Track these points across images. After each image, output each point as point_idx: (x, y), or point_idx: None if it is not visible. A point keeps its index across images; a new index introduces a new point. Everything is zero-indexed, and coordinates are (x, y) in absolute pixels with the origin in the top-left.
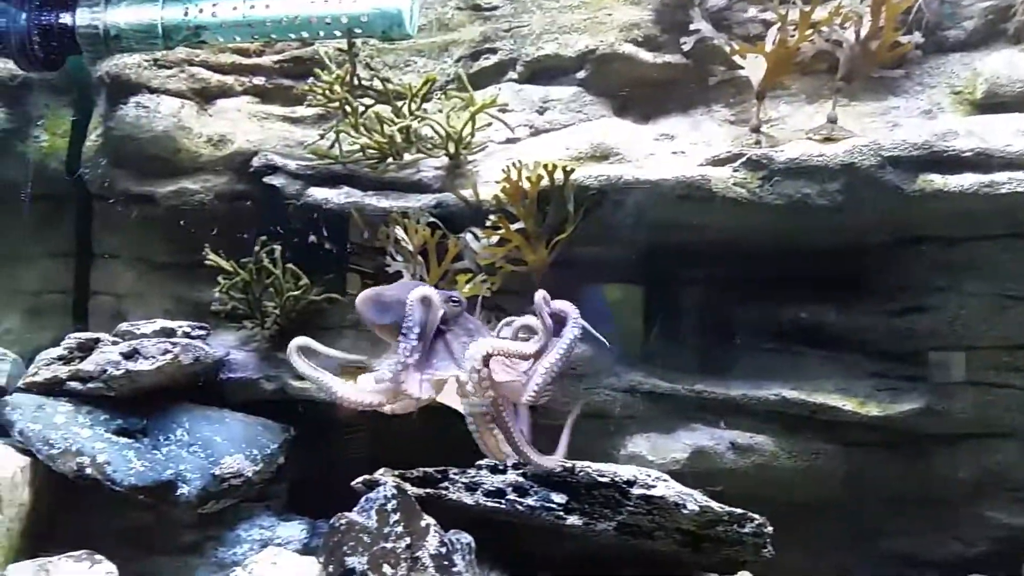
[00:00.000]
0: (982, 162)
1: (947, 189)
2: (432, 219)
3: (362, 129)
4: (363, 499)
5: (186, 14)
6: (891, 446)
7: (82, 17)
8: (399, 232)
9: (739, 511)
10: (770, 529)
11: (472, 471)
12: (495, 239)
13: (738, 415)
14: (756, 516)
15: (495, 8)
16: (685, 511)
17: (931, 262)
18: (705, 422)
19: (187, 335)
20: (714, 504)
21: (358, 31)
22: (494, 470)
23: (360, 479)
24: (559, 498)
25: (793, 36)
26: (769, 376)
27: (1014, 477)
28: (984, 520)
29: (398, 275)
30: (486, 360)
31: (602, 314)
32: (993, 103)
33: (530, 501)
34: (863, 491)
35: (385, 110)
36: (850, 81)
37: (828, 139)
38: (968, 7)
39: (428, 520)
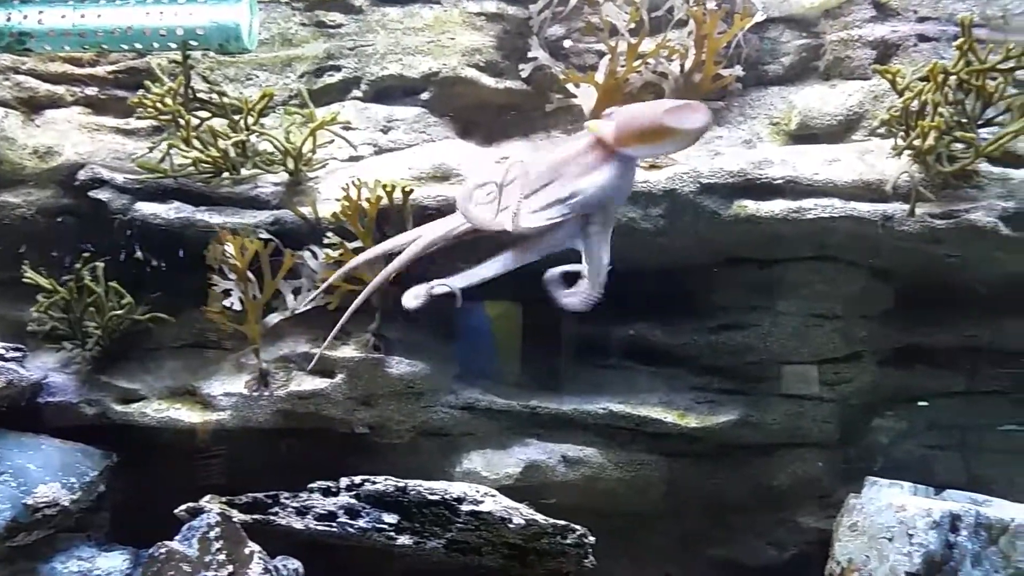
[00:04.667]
0: (791, 189)
1: (759, 214)
2: (267, 236)
3: (195, 143)
4: (185, 527)
5: (9, 19)
6: (710, 456)
7: None
8: (229, 248)
9: (562, 523)
10: (592, 539)
11: (304, 495)
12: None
13: (570, 429)
14: (578, 527)
15: (339, 26)
16: (511, 525)
17: (746, 283)
18: (539, 437)
19: (1, 357)
20: (539, 517)
21: (194, 44)
22: (327, 492)
23: (184, 507)
24: (390, 518)
25: (623, 67)
26: (599, 391)
27: (822, 484)
28: (796, 526)
29: (227, 294)
30: None
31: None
32: (805, 134)
33: (361, 523)
34: (685, 500)
35: (222, 124)
36: None
37: (653, 166)
38: (785, 44)
39: (253, 547)
